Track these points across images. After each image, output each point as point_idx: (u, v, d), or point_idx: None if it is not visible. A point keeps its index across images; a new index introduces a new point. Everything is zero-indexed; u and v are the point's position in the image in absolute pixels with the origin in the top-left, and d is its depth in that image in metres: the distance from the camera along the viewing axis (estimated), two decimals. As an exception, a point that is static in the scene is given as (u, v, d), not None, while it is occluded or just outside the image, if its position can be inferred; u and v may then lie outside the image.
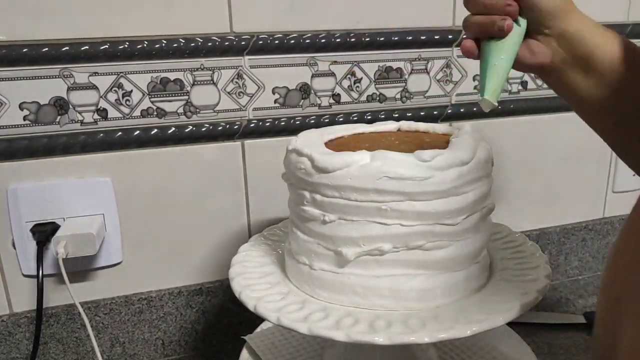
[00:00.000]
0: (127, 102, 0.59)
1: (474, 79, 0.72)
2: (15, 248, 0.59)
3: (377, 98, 0.69)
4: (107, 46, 0.57)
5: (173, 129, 0.61)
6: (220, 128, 0.63)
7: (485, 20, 0.41)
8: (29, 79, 0.56)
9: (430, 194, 0.41)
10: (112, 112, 0.59)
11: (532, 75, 0.75)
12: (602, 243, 0.85)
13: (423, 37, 0.68)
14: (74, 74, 0.57)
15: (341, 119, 0.67)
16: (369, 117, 0.68)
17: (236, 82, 0.62)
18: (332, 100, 0.67)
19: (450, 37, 0.69)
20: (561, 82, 0.43)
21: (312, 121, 0.66)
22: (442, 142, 0.48)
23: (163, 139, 0.61)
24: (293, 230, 0.47)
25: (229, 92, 0.63)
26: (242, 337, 0.60)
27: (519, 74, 0.74)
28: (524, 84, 0.75)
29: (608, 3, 0.75)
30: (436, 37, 0.68)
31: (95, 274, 0.63)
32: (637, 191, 0.87)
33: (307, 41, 0.63)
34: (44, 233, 0.58)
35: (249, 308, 0.43)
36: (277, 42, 0.62)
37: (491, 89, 0.40)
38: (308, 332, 0.39)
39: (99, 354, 0.57)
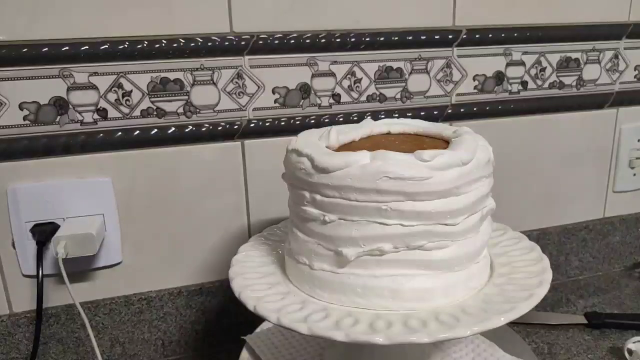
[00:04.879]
0: (127, 102, 0.59)
1: (474, 79, 0.72)
2: (15, 248, 0.59)
3: (377, 98, 0.69)
4: (107, 46, 0.57)
5: (173, 129, 0.61)
6: (220, 128, 0.63)
7: None
8: (29, 79, 0.56)
9: (430, 194, 0.41)
10: (112, 112, 0.59)
11: (532, 75, 0.75)
12: (603, 243, 0.85)
13: (423, 37, 0.68)
14: (74, 74, 0.57)
15: (341, 119, 0.67)
16: (369, 118, 0.68)
17: (236, 82, 0.62)
18: (332, 100, 0.67)
19: (450, 37, 0.69)
20: None
21: (312, 121, 0.66)
22: (442, 142, 0.48)
23: (163, 139, 0.61)
24: (293, 230, 0.47)
25: (229, 92, 0.63)
26: (242, 337, 0.60)
27: (519, 73, 0.74)
28: (524, 84, 0.75)
29: (608, 3, 0.75)
30: (436, 37, 0.68)
31: (95, 274, 0.63)
32: (637, 191, 0.87)
33: (307, 41, 0.63)
34: (43, 233, 0.58)
35: (249, 308, 0.43)
36: (277, 42, 0.62)
37: None
38: (308, 332, 0.39)
39: (98, 354, 0.57)
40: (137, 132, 0.60)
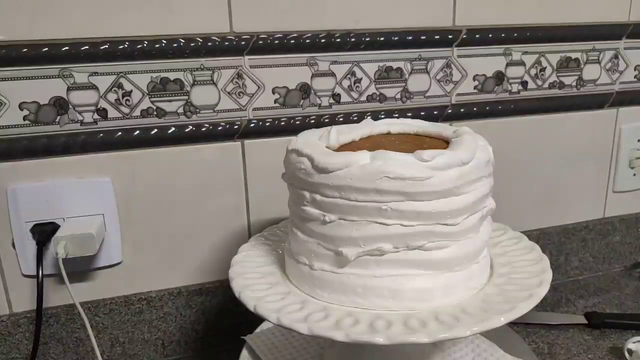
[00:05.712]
0: (127, 102, 0.59)
1: (474, 79, 0.72)
2: (15, 248, 0.59)
3: (377, 98, 0.69)
4: (107, 46, 0.57)
5: (173, 128, 0.61)
6: (220, 128, 0.63)
7: None
8: (29, 79, 0.56)
9: (430, 194, 0.41)
10: (112, 112, 0.59)
11: (532, 75, 0.75)
12: (603, 243, 0.85)
13: (423, 37, 0.68)
14: (74, 74, 0.57)
15: (341, 119, 0.67)
16: (369, 117, 0.68)
17: (236, 82, 0.62)
18: (332, 100, 0.67)
19: (450, 37, 0.69)
20: None
21: (312, 121, 0.66)
22: (442, 142, 0.48)
23: (163, 139, 0.61)
24: (293, 230, 0.47)
25: (229, 92, 0.63)
26: (242, 337, 0.60)
27: (519, 73, 0.74)
28: (524, 84, 0.75)
29: (608, 3, 0.75)
30: (436, 37, 0.68)
31: (95, 274, 0.63)
32: (637, 191, 0.87)
33: (307, 41, 0.63)
34: (43, 233, 0.58)
35: (249, 308, 0.43)
36: (277, 42, 0.62)
37: None
38: (308, 332, 0.39)
39: (98, 354, 0.57)
40: (137, 132, 0.60)
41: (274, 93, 0.64)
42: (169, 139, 0.62)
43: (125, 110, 0.60)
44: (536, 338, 0.68)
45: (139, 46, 0.58)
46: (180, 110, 0.61)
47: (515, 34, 0.72)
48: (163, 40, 0.59)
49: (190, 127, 0.62)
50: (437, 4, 0.68)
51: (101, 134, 0.59)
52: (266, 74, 0.63)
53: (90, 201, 0.60)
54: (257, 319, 0.47)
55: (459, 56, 0.70)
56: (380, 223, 0.41)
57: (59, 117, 0.58)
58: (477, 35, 0.70)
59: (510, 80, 0.74)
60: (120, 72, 0.58)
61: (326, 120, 0.67)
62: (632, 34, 0.78)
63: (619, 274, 0.85)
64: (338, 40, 0.64)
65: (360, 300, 0.43)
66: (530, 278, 0.46)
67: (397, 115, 0.69)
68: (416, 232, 0.41)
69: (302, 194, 0.44)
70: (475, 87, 0.73)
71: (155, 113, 0.61)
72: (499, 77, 0.73)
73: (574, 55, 0.76)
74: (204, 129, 0.62)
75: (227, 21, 0.61)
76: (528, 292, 0.43)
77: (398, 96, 0.69)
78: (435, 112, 0.71)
